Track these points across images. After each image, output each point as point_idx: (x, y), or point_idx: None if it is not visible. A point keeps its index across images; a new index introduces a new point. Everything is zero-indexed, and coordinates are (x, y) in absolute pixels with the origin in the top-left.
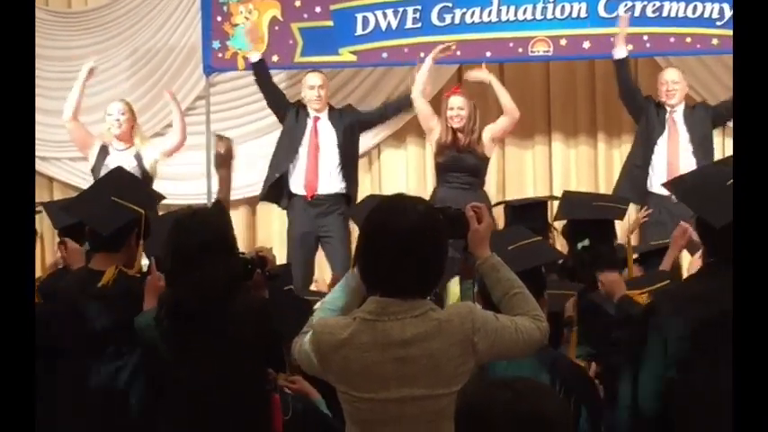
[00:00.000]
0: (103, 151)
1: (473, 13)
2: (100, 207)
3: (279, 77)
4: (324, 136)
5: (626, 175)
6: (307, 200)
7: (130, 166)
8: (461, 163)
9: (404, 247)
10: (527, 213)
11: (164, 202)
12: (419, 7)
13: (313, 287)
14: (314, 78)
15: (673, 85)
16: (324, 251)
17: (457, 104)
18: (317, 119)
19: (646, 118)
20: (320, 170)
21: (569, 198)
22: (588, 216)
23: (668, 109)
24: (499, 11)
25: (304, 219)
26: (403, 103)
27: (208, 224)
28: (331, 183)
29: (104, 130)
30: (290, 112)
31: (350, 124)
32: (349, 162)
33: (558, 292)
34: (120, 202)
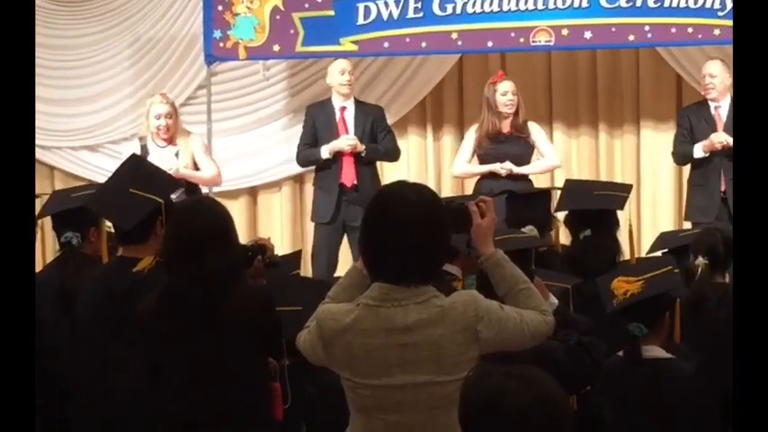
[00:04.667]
0: (143, 150)
1: (474, 2)
2: (120, 201)
3: (279, 67)
4: (351, 126)
5: (689, 199)
6: (345, 188)
7: (170, 165)
8: (505, 153)
9: (406, 232)
10: (530, 203)
11: None
12: None
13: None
14: (345, 63)
15: (710, 78)
16: (349, 240)
17: (510, 89)
18: (343, 109)
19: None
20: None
21: (571, 187)
22: (589, 206)
23: (711, 105)
24: (501, 0)
25: (337, 206)
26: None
27: (208, 213)
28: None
29: (145, 130)
30: (314, 111)
31: (373, 120)
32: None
33: (552, 283)
34: (138, 194)
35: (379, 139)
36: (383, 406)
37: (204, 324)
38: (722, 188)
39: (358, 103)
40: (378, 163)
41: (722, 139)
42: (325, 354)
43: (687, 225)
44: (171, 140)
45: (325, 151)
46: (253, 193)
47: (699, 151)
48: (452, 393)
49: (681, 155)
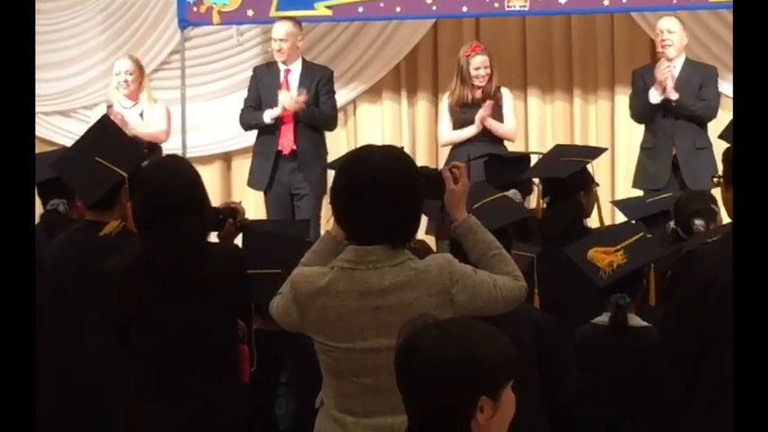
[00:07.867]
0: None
1: None
2: (85, 170)
3: (254, 32)
4: (293, 90)
5: (638, 164)
6: (284, 156)
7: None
8: (474, 118)
9: (379, 193)
10: (510, 168)
11: None
12: None
13: None
14: (276, 31)
15: (668, 34)
16: (295, 208)
17: (482, 64)
18: (287, 71)
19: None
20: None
21: (548, 153)
22: (551, 174)
23: (665, 64)
24: None
25: (280, 175)
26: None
27: (179, 175)
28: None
29: (111, 90)
30: (260, 72)
31: (318, 80)
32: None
33: (517, 252)
34: (104, 163)
35: (320, 102)
36: (357, 369)
37: (178, 287)
38: (674, 153)
39: (306, 63)
40: (353, 126)
41: (664, 69)
42: (300, 317)
43: (638, 192)
44: (133, 98)
45: (267, 116)
46: (227, 158)
47: (654, 96)
48: None
49: (639, 107)
